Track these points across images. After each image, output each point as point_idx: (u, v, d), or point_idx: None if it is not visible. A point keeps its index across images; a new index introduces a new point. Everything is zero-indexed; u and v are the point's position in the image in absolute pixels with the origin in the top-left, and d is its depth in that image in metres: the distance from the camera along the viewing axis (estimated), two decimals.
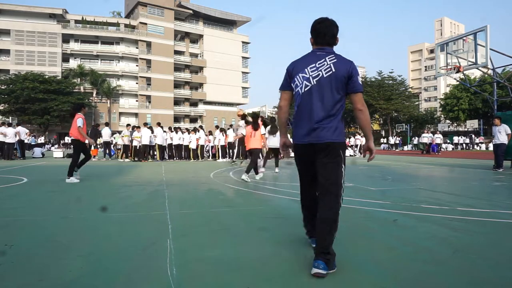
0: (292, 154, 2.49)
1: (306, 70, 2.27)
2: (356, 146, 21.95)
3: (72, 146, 6.95)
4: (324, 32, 2.30)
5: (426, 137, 23.53)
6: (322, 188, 2.23)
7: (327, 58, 2.25)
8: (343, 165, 2.25)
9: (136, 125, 16.38)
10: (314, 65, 2.26)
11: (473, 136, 38.12)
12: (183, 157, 15.94)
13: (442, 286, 1.93)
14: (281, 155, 9.05)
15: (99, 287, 1.91)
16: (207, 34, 59.19)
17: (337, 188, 2.20)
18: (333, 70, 2.20)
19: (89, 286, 1.92)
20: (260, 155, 14.12)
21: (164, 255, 2.40)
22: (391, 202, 4.51)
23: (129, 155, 15.27)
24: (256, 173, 7.49)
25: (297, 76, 2.30)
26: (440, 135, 24.75)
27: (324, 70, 2.22)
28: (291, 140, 2.49)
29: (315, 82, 2.23)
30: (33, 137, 30.32)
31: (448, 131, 49.16)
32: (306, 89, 2.26)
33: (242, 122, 10.34)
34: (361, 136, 21.47)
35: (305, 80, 2.26)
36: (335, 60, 2.23)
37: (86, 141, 7.08)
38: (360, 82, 2.28)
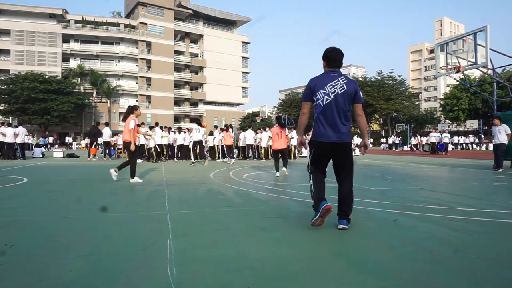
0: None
1: (325, 87, 3.08)
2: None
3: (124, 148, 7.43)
4: (334, 58, 3.17)
5: (434, 137, 22.48)
6: (342, 173, 3.18)
7: (339, 78, 3.10)
8: (352, 157, 3.25)
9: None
10: (331, 83, 3.08)
11: (482, 136, 37.46)
12: (185, 157, 15.96)
13: (442, 286, 1.92)
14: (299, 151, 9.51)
15: (99, 287, 1.91)
16: (207, 34, 59.19)
17: (352, 172, 3.20)
18: (345, 88, 3.06)
19: (89, 286, 1.92)
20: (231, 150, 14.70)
21: (164, 255, 2.40)
22: (391, 202, 4.51)
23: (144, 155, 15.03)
24: (285, 168, 8.19)
25: (319, 92, 3.10)
26: (448, 135, 23.29)
27: (339, 88, 3.06)
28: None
29: (333, 97, 3.06)
30: (51, 137, 31.30)
31: (448, 131, 49.04)
32: (327, 102, 3.07)
33: (202, 129, 11.67)
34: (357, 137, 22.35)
35: (326, 95, 3.07)
36: (346, 81, 3.10)
37: (137, 143, 7.59)
38: (361, 96, 3.17)
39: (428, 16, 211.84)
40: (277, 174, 8.06)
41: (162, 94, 53.99)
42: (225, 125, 15.75)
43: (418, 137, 32.43)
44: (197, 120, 13.81)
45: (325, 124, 3.08)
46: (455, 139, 37.80)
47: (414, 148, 31.44)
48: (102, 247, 2.64)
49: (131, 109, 7.14)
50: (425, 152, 24.08)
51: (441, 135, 22.73)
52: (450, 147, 34.45)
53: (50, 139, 38.65)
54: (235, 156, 16.86)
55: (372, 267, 2.21)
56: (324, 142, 3.10)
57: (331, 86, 3.06)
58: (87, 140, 27.67)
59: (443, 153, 21.63)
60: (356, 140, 24.58)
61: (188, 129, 16.94)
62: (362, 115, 3.19)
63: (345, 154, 3.15)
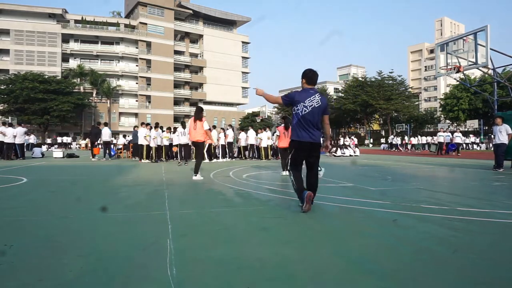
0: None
1: (305, 101, 3.93)
2: (345, 145, 21.87)
3: (194, 147, 9.06)
4: (312, 78, 4.05)
5: (442, 136, 21.27)
6: (311, 166, 4.07)
7: (316, 95, 3.97)
8: (319, 155, 4.21)
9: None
10: (309, 98, 3.94)
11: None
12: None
13: (442, 286, 1.93)
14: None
15: (99, 287, 1.91)
16: (207, 34, 59.17)
17: (317, 165, 4.17)
18: (320, 103, 3.96)
19: (89, 286, 1.92)
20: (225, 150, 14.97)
21: (164, 255, 2.40)
22: (391, 202, 4.51)
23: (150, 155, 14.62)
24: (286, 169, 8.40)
25: (299, 104, 3.94)
26: (460, 134, 21.85)
27: (315, 102, 3.94)
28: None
29: (310, 109, 3.93)
30: (59, 138, 32.06)
31: (459, 131, 48.81)
32: (305, 112, 3.93)
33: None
34: (351, 138, 23.95)
35: (304, 107, 3.93)
36: (320, 97, 4.00)
37: (209, 142, 8.85)
38: (329, 109, 4.13)
39: (428, 16, 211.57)
40: (283, 173, 8.27)
41: (162, 94, 53.97)
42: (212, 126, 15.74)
43: (406, 138, 32.53)
44: (183, 123, 14.07)
45: (302, 128, 3.93)
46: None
47: (400, 148, 31.64)
48: (102, 247, 2.64)
49: (202, 111, 7.89)
50: (431, 152, 23.54)
51: (452, 135, 21.48)
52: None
53: (58, 139, 40.64)
54: (235, 155, 16.86)
55: (372, 267, 2.21)
56: (301, 141, 3.95)
57: (309, 100, 3.93)
58: (87, 140, 27.71)
59: (453, 153, 20.40)
60: (354, 140, 24.68)
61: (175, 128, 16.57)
62: (328, 123, 4.16)
63: (315, 152, 4.03)
